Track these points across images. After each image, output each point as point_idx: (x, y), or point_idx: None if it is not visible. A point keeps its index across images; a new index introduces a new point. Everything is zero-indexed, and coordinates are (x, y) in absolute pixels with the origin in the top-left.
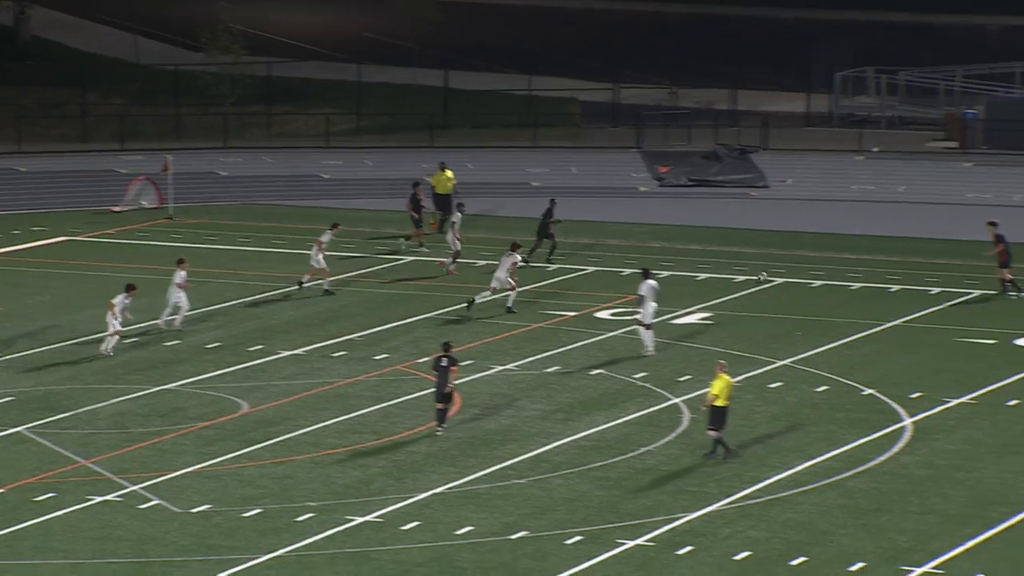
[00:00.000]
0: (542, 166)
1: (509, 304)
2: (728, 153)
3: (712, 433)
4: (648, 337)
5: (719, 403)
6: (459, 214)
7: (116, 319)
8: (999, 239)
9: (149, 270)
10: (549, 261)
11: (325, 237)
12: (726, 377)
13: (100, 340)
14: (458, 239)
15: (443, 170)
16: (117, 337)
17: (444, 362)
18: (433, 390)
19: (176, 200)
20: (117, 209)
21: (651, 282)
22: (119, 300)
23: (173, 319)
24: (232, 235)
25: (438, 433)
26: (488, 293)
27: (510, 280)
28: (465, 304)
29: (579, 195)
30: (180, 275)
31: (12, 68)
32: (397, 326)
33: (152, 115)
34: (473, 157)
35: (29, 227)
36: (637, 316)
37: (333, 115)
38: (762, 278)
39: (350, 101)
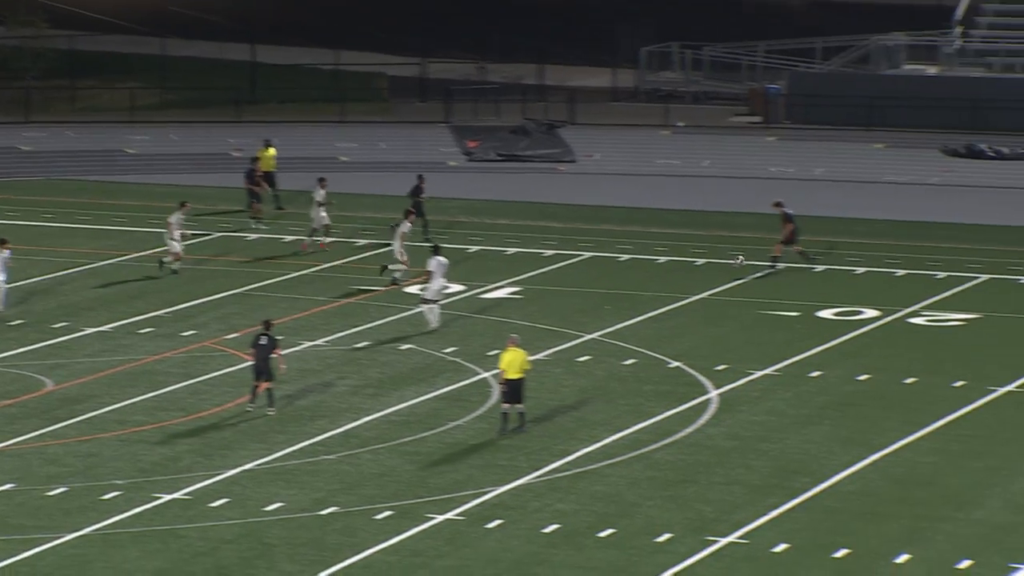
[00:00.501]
0: (350, 141)
1: (396, 275)
2: (536, 128)
3: (505, 406)
4: (431, 313)
5: (510, 375)
6: (322, 190)
7: None
8: (788, 218)
9: None
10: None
11: (175, 217)
12: (515, 350)
13: None
14: (323, 212)
15: (267, 147)
16: None
17: (263, 340)
18: (248, 365)
19: None
20: None
21: (440, 258)
22: None
23: None
24: (36, 211)
25: (248, 409)
26: (403, 265)
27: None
28: (379, 269)
29: (388, 170)
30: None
31: None
32: (204, 302)
33: None
34: (281, 132)
35: None
36: (424, 293)
37: (138, 89)
38: (739, 263)
39: (155, 75)
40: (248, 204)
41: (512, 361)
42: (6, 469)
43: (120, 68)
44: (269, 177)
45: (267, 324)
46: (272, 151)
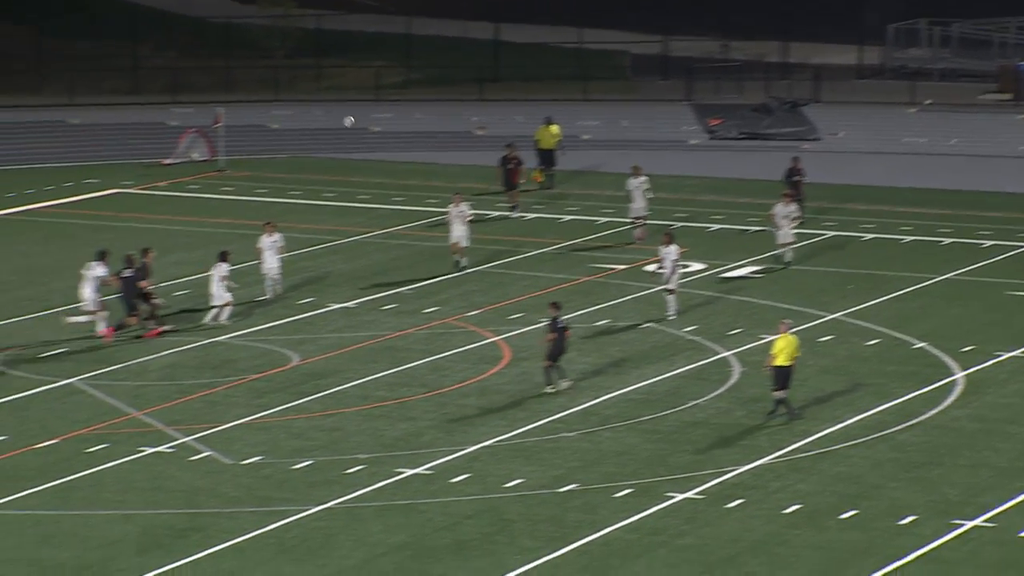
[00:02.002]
0: (593, 119)
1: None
2: (779, 106)
3: (776, 394)
4: (673, 299)
5: (779, 362)
6: (638, 178)
7: (222, 288)
8: None
9: (199, 223)
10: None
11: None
12: (788, 336)
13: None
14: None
15: (548, 124)
16: (230, 307)
17: (561, 324)
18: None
19: (227, 153)
20: (168, 162)
21: (674, 246)
22: (224, 269)
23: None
24: (282, 188)
25: (548, 390)
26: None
27: None
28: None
29: (630, 147)
30: (268, 240)
31: (62, 20)
32: (447, 279)
33: (203, 67)
34: (524, 110)
35: (81, 180)
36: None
37: (382, 68)
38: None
39: (399, 54)
40: (506, 187)
41: (784, 348)
42: (253, 442)
43: (365, 47)
44: (548, 155)
45: (557, 306)
46: (554, 129)
